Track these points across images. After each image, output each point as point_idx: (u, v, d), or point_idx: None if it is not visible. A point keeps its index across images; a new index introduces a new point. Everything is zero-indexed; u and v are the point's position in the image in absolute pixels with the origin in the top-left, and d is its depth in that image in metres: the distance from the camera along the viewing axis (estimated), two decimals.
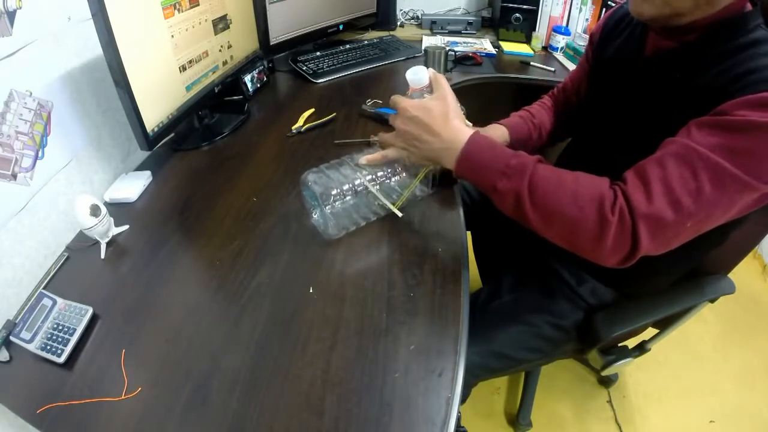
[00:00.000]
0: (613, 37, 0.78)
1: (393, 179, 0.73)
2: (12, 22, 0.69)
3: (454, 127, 0.63)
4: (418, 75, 0.68)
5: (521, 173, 0.57)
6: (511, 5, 1.56)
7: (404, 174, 0.74)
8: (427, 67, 0.68)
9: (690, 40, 0.61)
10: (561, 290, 0.82)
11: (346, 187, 0.69)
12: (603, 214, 0.53)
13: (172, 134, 1.02)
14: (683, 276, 0.81)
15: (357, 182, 0.70)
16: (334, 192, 0.68)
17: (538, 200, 0.56)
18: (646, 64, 0.68)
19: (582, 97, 0.90)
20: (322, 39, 1.50)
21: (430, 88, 0.68)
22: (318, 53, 1.42)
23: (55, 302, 0.63)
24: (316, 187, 0.69)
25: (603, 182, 0.56)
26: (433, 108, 0.64)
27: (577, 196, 0.55)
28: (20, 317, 0.61)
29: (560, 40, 1.54)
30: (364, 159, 0.71)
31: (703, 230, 0.55)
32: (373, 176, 0.71)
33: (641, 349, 0.94)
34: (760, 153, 0.50)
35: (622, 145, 0.68)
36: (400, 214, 0.73)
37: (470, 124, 0.68)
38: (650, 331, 0.96)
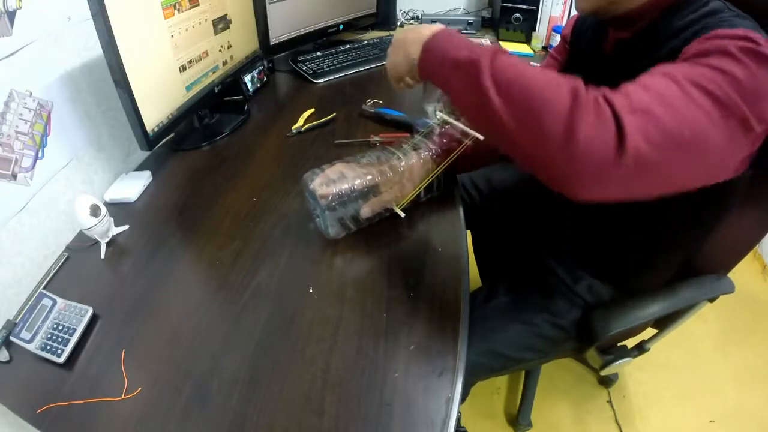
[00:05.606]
0: (580, 34, 0.79)
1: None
2: (12, 22, 0.69)
3: (425, 26, 0.60)
4: None
5: (484, 52, 0.50)
6: (511, 5, 1.56)
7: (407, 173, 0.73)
8: None
9: (644, 26, 0.61)
10: (558, 289, 0.82)
11: (346, 187, 0.69)
12: (576, 95, 0.44)
13: (172, 134, 1.02)
14: (679, 273, 0.81)
15: (358, 183, 0.70)
16: (334, 191, 0.68)
17: (498, 75, 0.48)
18: (608, 56, 0.69)
19: None
20: (322, 39, 1.50)
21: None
22: (318, 53, 1.42)
23: (55, 302, 0.63)
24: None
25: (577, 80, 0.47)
26: (408, 28, 0.62)
27: (545, 79, 0.47)
28: (20, 317, 0.61)
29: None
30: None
31: (693, 168, 0.46)
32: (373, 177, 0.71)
33: (640, 349, 0.94)
34: (743, 80, 0.43)
35: None
36: (402, 215, 0.73)
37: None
38: (649, 331, 0.96)
